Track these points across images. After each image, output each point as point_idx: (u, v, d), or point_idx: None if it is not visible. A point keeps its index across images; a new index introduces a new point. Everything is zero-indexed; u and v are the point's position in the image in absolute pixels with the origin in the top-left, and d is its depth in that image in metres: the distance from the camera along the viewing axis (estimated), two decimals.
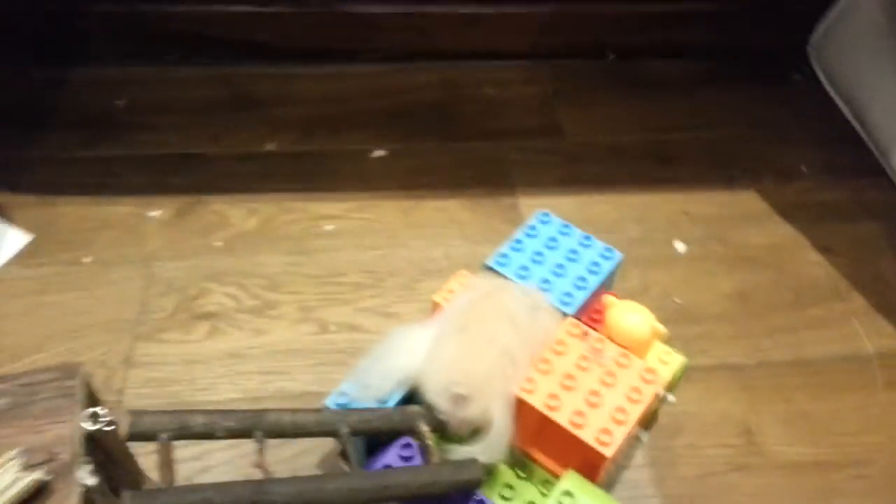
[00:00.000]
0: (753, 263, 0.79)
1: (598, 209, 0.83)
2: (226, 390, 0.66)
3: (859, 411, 0.68)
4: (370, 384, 0.57)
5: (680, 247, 0.80)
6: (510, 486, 0.58)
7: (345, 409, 0.53)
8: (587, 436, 0.53)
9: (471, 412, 0.54)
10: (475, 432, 0.56)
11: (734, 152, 0.91)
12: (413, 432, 0.55)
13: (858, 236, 0.83)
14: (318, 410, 0.52)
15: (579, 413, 0.54)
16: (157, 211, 0.79)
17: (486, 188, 0.84)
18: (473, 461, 0.52)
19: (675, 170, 0.88)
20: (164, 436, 0.47)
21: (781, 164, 0.90)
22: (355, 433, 0.53)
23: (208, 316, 0.71)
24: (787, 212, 0.84)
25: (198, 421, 0.48)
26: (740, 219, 0.83)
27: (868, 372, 0.71)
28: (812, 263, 0.80)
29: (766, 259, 0.80)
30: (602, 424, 0.54)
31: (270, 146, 0.86)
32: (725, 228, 0.82)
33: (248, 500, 0.45)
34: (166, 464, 0.46)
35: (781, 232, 0.82)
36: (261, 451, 0.49)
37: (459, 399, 0.55)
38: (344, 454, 0.59)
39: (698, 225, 0.82)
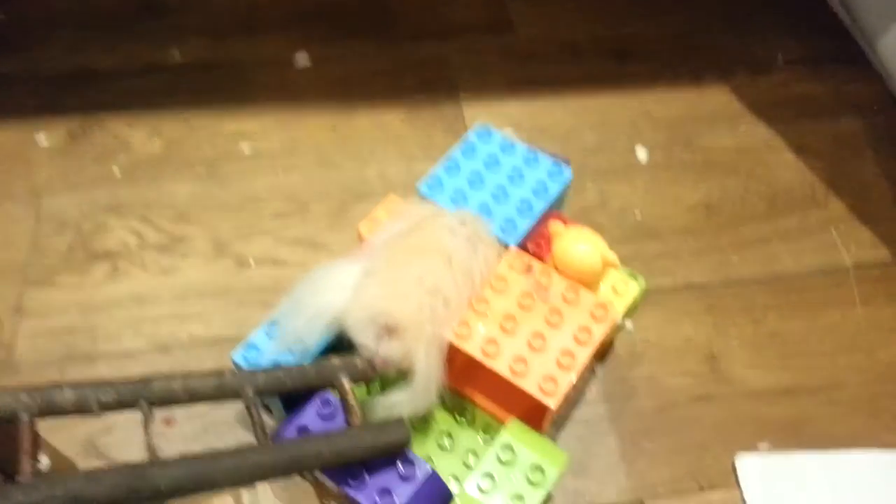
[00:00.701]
0: (722, 169, 0.71)
1: (552, 115, 0.75)
2: (130, 339, 0.58)
3: (834, 330, 0.62)
4: (292, 330, 0.50)
5: (641, 154, 0.72)
6: (449, 434, 0.53)
7: (250, 369, 0.46)
8: (529, 385, 0.47)
9: (396, 350, 0.48)
10: (402, 376, 0.50)
11: (701, 44, 0.82)
12: (333, 387, 0.48)
13: (838, 134, 0.75)
14: (217, 373, 0.45)
15: (520, 360, 0.48)
16: (46, 136, 0.69)
17: (426, 96, 0.75)
18: (399, 422, 0.46)
19: (635, 67, 0.79)
20: (24, 416, 0.40)
21: (754, 55, 0.81)
22: (263, 394, 0.46)
23: (108, 255, 0.62)
24: (760, 110, 0.76)
25: (66, 396, 0.41)
26: (708, 120, 0.75)
27: (845, 286, 0.65)
28: (787, 167, 0.72)
29: (735, 164, 0.72)
30: (546, 371, 0.47)
31: (175, 56, 0.76)
32: (691, 131, 0.74)
33: (126, 489, 0.38)
34: (28, 450, 0.39)
35: (753, 133, 0.74)
36: (147, 426, 0.42)
37: (386, 331, 0.48)
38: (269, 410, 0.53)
39: (661, 128, 0.74)
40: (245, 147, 0.70)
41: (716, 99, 0.77)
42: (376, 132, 0.72)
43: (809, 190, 0.70)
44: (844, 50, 0.81)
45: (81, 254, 0.62)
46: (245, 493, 0.53)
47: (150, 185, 0.67)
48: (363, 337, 0.48)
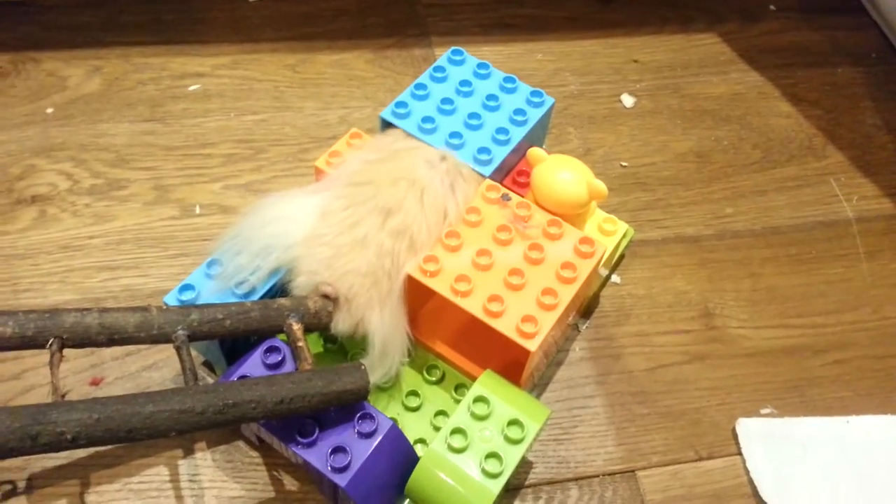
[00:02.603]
0: (713, 117, 0.66)
1: (531, 60, 0.69)
2: (56, 291, 0.52)
3: (837, 285, 0.57)
4: (235, 267, 0.43)
5: (627, 100, 0.67)
6: (416, 394, 0.47)
7: (182, 306, 0.39)
8: (505, 326, 0.41)
9: (345, 323, 0.42)
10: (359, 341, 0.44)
11: None
12: (282, 333, 0.42)
13: (835, 84, 0.70)
14: (142, 308, 0.38)
15: (496, 299, 0.42)
16: None
17: (394, 37, 0.69)
18: (356, 366, 0.40)
19: (621, 10, 0.74)
20: None
21: (746, 1, 0.77)
22: (197, 337, 0.39)
23: (36, 199, 0.56)
24: (753, 57, 0.71)
25: None
26: (698, 66, 0.70)
27: (847, 239, 0.60)
28: (782, 116, 0.67)
29: (727, 112, 0.67)
30: (525, 312, 0.41)
31: None
32: (680, 77, 0.69)
33: (20, 434, 0.32)
34: None
35: (746, 80, 0.69)
36: (53, 364, 0.35)
37: (327, 301, 0.42)
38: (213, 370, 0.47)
39: (649, 74, 0.69)
40: (194, 87, 0.63)
41: (705, 45, 0.72)
42: (338, 74, 0.66)
43: (806, 140, 0.66)
44: None
45: (6, 199, 0.56)
46: (183, 463, 0.46)
47: (87, 126, 0.60)
48: (308, 302, 0.43)
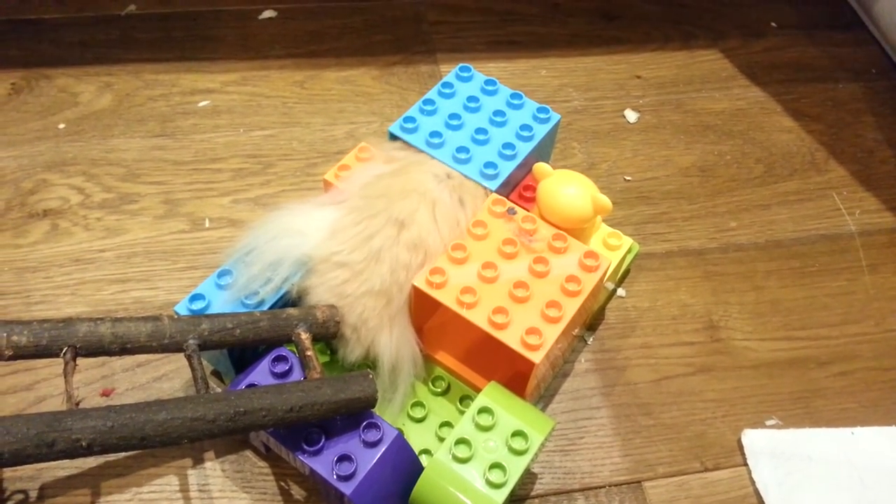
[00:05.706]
0: (716, 132, 0.67)
1: (536, 76, 0.70)
2: (68, 303, 0.52)
3: (841, 298, 0.57)
4: (246, 279, 0.44)
5: (631, 116, 0.67)
6: (421, 405, 0.47)
7: (193, 316, 0.40)
8: (510, 338, 0.41)
9: (355, 352, 0.43)
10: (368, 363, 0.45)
11: (693, 6, 0.78)
12: (290, 343, 0.42)
13: (836, 98, 0.71)
14: (154, 318, 0.39)
15: (501, 311, 0.42)
16: None
17: (400, 54, 0.70)
18: (363, 375, 0.40)
19: (624, 27, 0.75)
20: None
21: (747, 19, 0.78)
22: (207, 346, 0.40)
23: (48, 213, 0.57)
24: (755, 73, 0.72)
25: None
26: (700, 82, 0.71)
27: (850, 252, 0.60)
28: (784, 131, 0.68)
29: (730, 127, 0.68)
30: (529, 324, 0.42)
31: (130, 7, 0.70)
32: (683, 93, 0.70)
33: (36, 440, 0.32)
34: None
35: (748, 96, 0.70)
36: (67, 373, 0.36)
37: (335, 311, 0.43)
38: (222, 379, 0.47)
39: (652, 90, 0.70)
40: (203, 103, 0.64)
41: (708, 62, 0.73)
42: (345, 90, 0.67)
43: (808, 154, 0.66)
44: (839, 16, 0.78)
45: (19, 212, 0.57)
46: (192, 473, 0.46)
47: (98, 142, 0.61)
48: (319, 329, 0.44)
